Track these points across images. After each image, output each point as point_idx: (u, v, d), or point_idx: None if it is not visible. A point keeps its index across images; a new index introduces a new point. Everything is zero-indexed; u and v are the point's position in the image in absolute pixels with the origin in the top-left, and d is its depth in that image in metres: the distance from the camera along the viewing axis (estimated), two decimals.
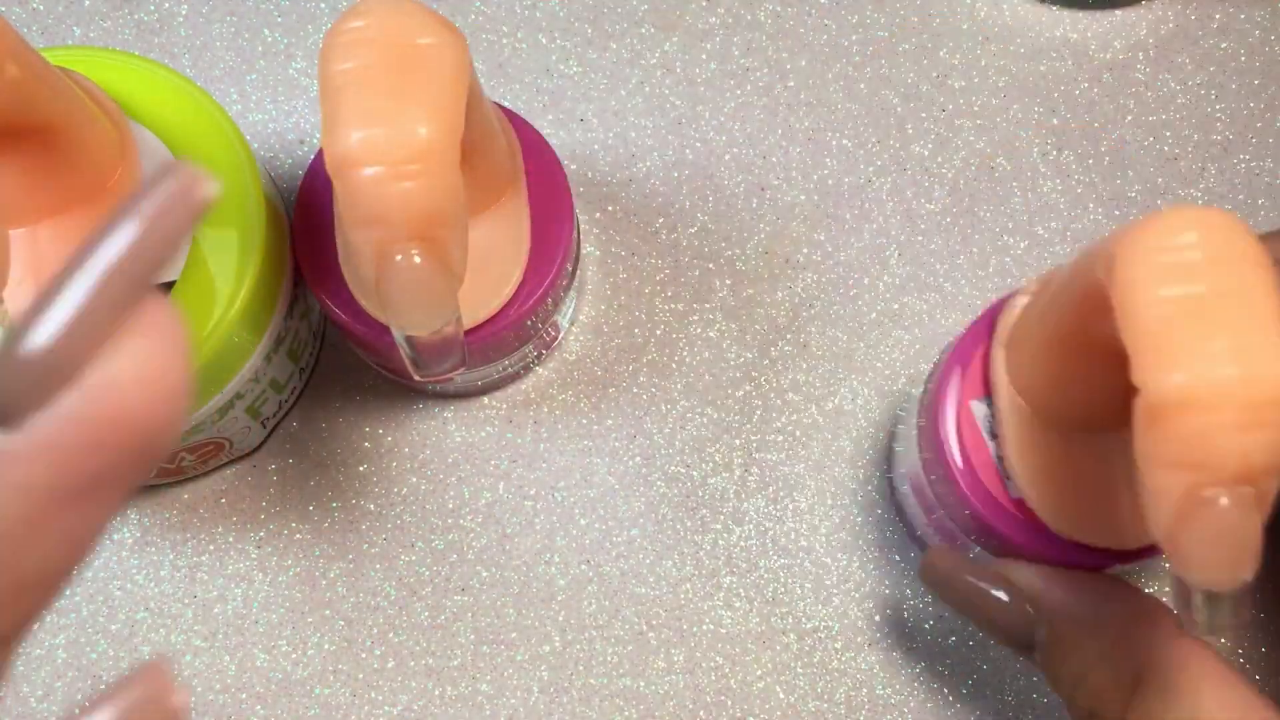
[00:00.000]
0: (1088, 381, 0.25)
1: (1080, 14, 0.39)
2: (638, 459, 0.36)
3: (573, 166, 0.38)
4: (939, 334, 0.37)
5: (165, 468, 0.33)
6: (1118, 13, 0.39)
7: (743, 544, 0.35)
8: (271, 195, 0.31)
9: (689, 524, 0.35)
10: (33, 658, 0.34)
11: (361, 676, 0.34)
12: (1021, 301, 0.29)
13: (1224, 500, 0.19)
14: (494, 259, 0.29)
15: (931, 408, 0.30)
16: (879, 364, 0.36)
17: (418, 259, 0.22)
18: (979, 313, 0.30)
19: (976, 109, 0.38)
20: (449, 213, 0.22)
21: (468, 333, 0.29)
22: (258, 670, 0.34)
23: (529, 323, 0.31)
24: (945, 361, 0.30)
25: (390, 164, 0.22)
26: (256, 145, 0.37)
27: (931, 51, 0.39)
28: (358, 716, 0.34)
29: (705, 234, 0.37)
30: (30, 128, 0.25)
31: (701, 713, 0.34)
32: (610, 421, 0.36)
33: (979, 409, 0.29)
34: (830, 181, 0.38)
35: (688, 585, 0.35)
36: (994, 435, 0.29)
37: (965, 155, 0.38)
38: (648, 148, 0.38)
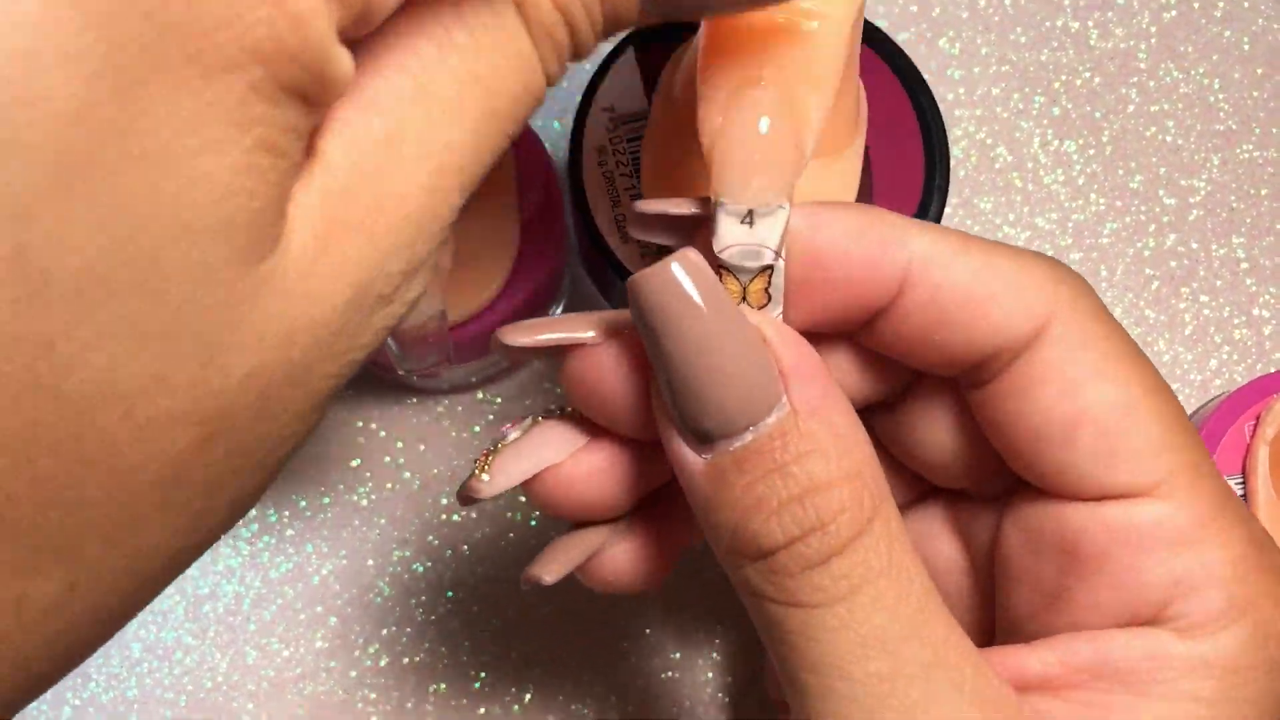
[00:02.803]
0: None
1: (1081, 2, 0.39)
2: None
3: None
4: None
5: None
6: (1119, 0, 0.39)
7: None
8: None
9: None
10: None
11: (354, 674, 0.34)
12: None
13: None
14: (483, 255, 0.29)
15: None
16: None
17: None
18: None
19: (977, 98, 0.38)
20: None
21: (456, 328, 0.29)
22: (249, 668, 0.34)
23: (520, 318, 0.31)
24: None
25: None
26: None
27: (931, 41, 0.38)
28: (351, 715, 0.33)
29: None
30: None
31: (699, 710, 0.34)
32: None
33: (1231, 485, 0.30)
34: None
35: (688, 580, 0.35)
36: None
37: (965, 145, 0.38)
38: None
